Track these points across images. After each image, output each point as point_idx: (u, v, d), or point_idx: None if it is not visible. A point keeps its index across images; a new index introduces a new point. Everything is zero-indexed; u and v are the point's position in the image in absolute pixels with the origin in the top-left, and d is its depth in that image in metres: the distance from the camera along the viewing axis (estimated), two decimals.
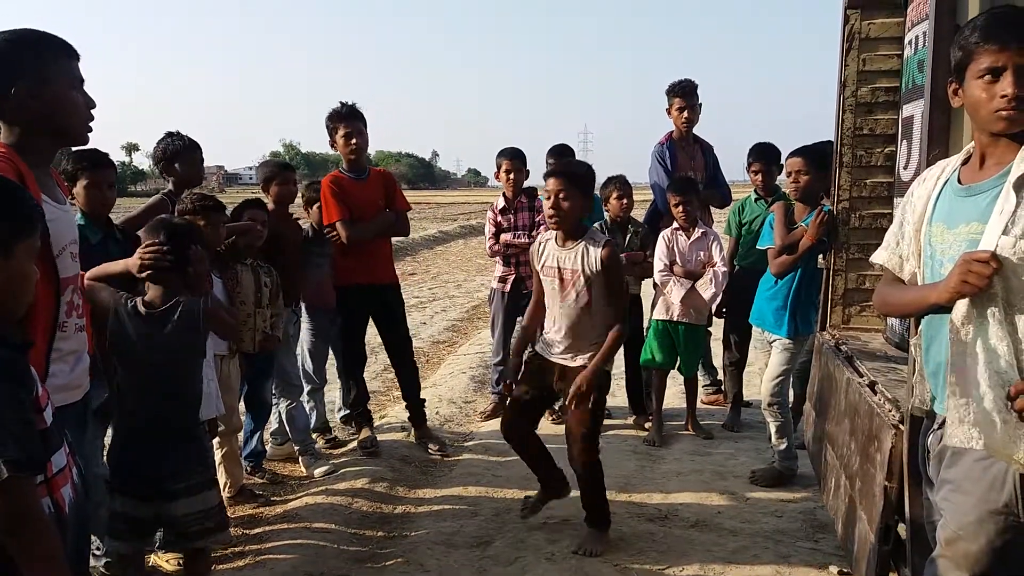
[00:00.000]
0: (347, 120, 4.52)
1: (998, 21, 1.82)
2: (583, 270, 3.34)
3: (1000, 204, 1.78)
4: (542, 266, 3.49)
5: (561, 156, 5.24)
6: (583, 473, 3.44)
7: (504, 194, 5.40)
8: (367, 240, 4.55)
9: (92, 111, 2.20)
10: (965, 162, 1.98)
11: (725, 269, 4.86)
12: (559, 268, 3.41)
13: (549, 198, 3.35)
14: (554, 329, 3.49)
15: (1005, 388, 1.76)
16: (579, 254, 3.35)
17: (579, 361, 3.42)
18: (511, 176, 5.28)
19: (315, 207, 4.77)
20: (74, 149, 3.13)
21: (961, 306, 1.82)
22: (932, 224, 1.96)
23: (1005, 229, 1.75)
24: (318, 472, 4.33)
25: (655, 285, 5.02)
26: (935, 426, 1.98)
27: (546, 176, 3.43)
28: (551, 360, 3.51)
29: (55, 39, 2.13)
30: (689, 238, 4.90)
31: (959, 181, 1.94)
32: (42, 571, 1.51)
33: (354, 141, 4.53)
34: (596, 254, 3.31)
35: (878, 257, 2.21)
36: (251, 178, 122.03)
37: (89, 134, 2.23)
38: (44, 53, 2.09)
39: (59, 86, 2.10)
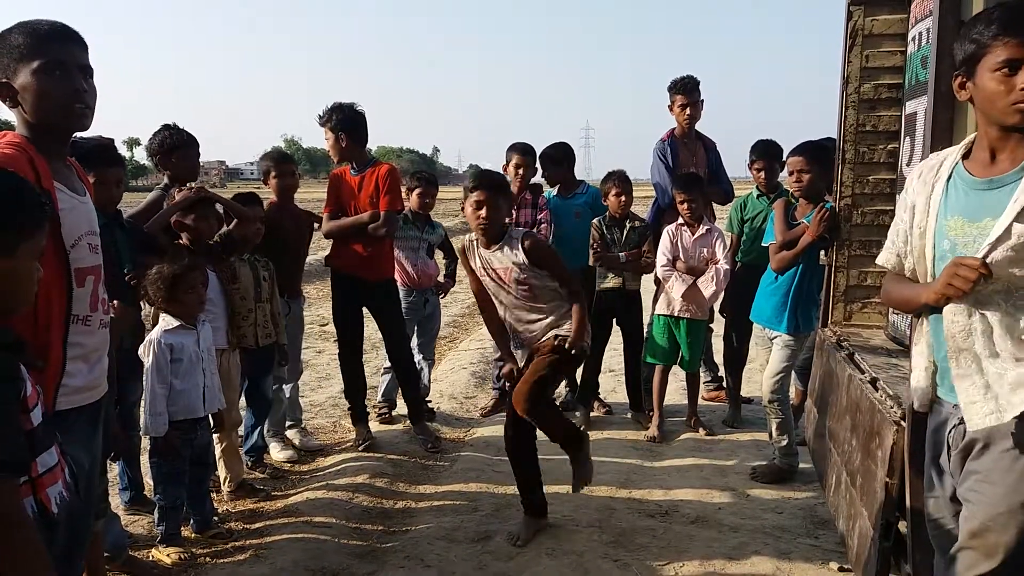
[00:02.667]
0: (323, 125, 4.61)
1: (1016, 15, 1.82)
2: (513, 264, 3.45)
3: (1018, 194, 1.81)
4: (477, 267, 3.58)
5: (560, 158, 5.34)
6: (530, 418, 3.43)
7: None
8: (348, 236, 4.57)
9: (81, 94, 1.99)
10: (965, 156, 1.98)
11: (728, 267, 4.85)
12: (492, 269, 3.51)
13: (480, 208, 3.43)
14: (516, 327, 3.57)
15: (1005, 362, 1.81)
16: (505, 253, 3.47)
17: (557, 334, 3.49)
18: (520, 171, 5.19)
19: (415, 193, 5.17)
20: (85, 145, 3.11)
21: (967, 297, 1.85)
22: (948, 218, 1.95)
23: (1019, 216, 1.79)
24: (282, 456, 4.46)
25: (656, 281, 5.02)
26: (955, 421, 1.95)
27: (472, 188, 3.48)
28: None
29: (25, 25, 1.99)
30: (693, 234, 4.90)
31: (970, 175, 1.94)
32: (20, 573, 1.48)
33: (327, 146, 4.66)
34: (519, 247, 3.43)
35: (882, 260, 2.22)
36: (252, 173, 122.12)
37: (81, 117, 2.02)
38: (8, 41, 1.96)
39: (27, 75, 1.95)
